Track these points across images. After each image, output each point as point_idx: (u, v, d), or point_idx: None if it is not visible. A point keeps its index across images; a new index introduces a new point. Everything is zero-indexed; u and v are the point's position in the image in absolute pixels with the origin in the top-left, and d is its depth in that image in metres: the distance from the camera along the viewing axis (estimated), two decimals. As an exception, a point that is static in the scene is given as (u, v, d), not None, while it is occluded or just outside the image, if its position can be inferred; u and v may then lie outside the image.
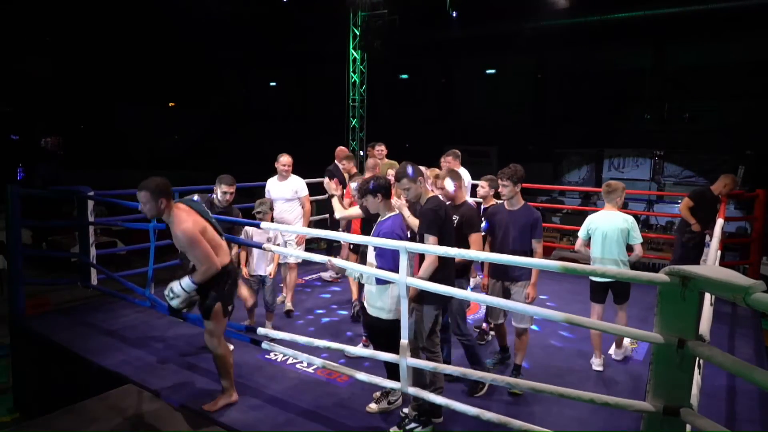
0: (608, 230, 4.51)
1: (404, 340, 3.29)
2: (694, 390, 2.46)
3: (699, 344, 2.30)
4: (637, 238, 4.52)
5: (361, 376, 3.52)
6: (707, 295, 3.00)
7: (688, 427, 2.37)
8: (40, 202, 12.12)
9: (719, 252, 5.07)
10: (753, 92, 14.88)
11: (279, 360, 4.59)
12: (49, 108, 23.61)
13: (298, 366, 4.45)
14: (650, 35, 16.17)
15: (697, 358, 2.43)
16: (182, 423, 3.73)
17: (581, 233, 4.70)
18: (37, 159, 22.91)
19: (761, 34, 14.02)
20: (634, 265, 4.59)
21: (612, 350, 4.89)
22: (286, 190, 5.94)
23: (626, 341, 4.92)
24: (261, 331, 4.11)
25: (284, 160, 5.94)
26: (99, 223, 6.80)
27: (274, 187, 6.00)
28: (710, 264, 4.24)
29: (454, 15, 14.48)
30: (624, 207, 5.08)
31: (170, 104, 26.67)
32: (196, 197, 4.68)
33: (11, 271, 5.70)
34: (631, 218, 4.57)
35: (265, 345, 4.02)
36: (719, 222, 5.87)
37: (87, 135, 25.29)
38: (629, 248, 4.57)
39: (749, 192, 8.13)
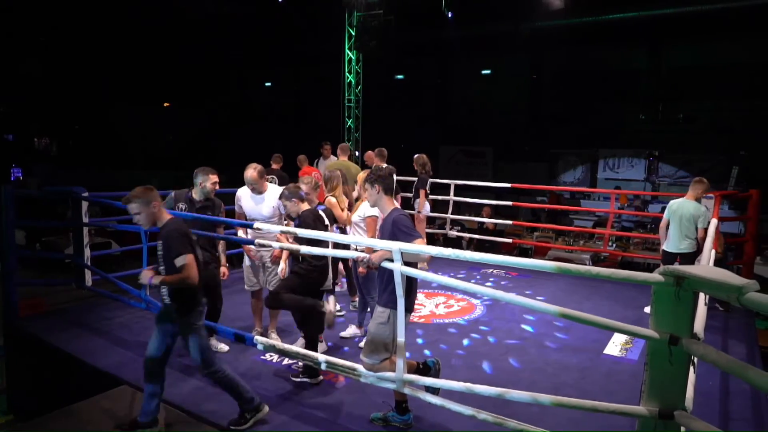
0: (684, 213, 5.64)
1: (401, 339, 3.29)
2: (689, 392, 2.47)
3: (693, 342, 2.31)
4: (703, 224, 5.56)
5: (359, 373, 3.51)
6: (701, 295, 3.02)
7: (683, 429, 2.38)
8: (35, 203, 12.06)
9: (714, 252, 5.11)
10: (748, 93, 14.94)
11: (275, 361, 4.58)
12: (43, 108, 23.50)
13: (294, 367, 4.44)
14: (645, 36, 16.22)
15: (692, 359, 2.44)
16: (178, 424, 3.72)
17: (665, 214, 5.80)
18: (31, 159, 22.81)
19: (756, 35, 14.09)
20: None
21: None
22: (263, 206, 4.79)
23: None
24: (259, 339, 4.07)
25: (249, 174, 4.70)
26: (93, 223, 6.77)
27: (247, 199, 4.87)
28: (704, 264, 4.26)
29: (450, 15, 14.52)
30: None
31: (165, 104, 26.58)
32: (172, 194, 4.68)
33: (5, 272, 5.68)
34: (703, 207, 5.69)
35: (260, 346, 4.01)
36: (713, 222, 5.92)
37: (82, 135, 25.19)
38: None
39: (743, 192, 8.17)
